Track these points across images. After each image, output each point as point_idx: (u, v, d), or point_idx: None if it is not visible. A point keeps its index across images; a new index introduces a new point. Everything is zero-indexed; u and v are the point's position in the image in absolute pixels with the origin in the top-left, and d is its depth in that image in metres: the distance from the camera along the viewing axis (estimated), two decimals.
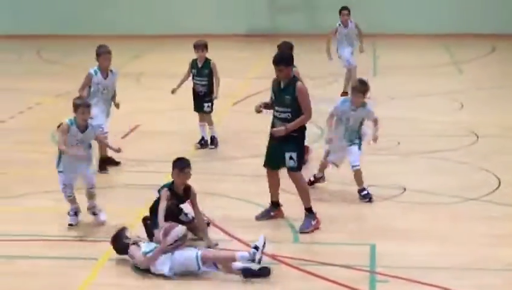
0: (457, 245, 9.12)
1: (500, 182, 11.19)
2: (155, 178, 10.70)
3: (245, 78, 18.98)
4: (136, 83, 18.88)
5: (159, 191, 9.00)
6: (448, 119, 14.95)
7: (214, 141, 13.19)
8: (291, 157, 9.51)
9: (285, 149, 9.52)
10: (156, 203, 8.93)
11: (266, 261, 8.56)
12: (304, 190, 9.73)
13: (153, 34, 25.78)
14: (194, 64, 13.09)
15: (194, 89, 13.11)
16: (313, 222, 9.59)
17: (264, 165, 9.90)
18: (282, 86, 9.61)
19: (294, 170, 9.59)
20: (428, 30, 25.07)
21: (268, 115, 9.84)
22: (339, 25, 17.11)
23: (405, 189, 11.00)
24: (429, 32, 24.95)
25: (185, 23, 25.46)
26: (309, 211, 9.65)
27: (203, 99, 13.06)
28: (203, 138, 13.17)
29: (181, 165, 8.96)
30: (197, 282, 8.12)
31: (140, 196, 10.46)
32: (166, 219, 8.69)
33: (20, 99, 17.14)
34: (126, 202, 10.55)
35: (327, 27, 24.75)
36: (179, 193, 9.01)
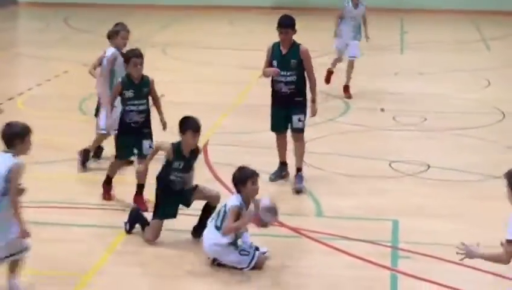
0: (482, 223, 9.07)
1: None
2: None
3: None
4: (162, 53, 18.87)
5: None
6: (475, 96, 14.88)
7: None
8: (300, 120, 10.06)
9: (293, 112, 10.03)
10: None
11: (289, 233, 8.63)
12: (303, 151, 10.22)
13: (181, 5, 25.73)
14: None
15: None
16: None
17: (273, 130, 10.36)
18: (284, 50, 10.02)
19: (302, 132, 10.14)
20: (458, 6, 24.87)
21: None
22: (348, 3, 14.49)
23: (429, 166, 10.97)
24: (458, 8, 24.75)
25: None
26: (300, 170, 10.15)
27: None
28: None
29: (196, 126, 8.57)
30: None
31: None
32: (160, 179, 8.55)
33: (48, 68, 17.23)
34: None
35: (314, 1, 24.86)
36: (184, 154, 8.58)
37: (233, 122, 13.06)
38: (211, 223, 8.12)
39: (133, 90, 9.39)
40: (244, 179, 7.99)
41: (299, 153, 10.22)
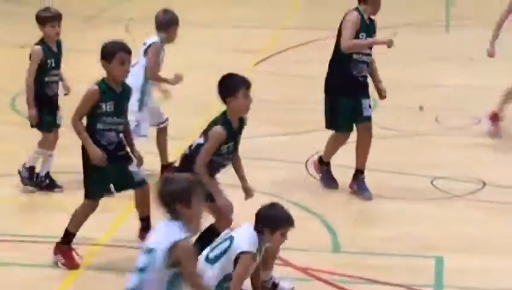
0: None
1: None
2: None
3: (275, 29, 18.94)
4: (124, 30, 18.82)
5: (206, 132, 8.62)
6: None
7: None
8: (370, 105, 10.57)
9: (363, 96, 10.60)
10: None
11: (297, 274, 8.61)
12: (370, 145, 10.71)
13: None
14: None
15: None
16: None
17: (345, 129, 10.75)
18: (368, 21, 10.66)
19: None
20: None
21: None
22: None
23: (485, 184, 11.02)
24: None
25: None
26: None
27: None
28: None
29: (247, 81, 8.61)
30: None
31: None
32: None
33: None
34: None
35: None
36: (234, 129, 8.64)
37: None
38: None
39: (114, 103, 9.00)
40: (276, 225, 7.74)
41: (365, 149, 10.67)
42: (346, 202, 10.28)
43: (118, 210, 9.99)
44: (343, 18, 10.68)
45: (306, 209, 10.13)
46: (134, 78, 10.09)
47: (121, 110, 8.95)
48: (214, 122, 8.58)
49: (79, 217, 8.88)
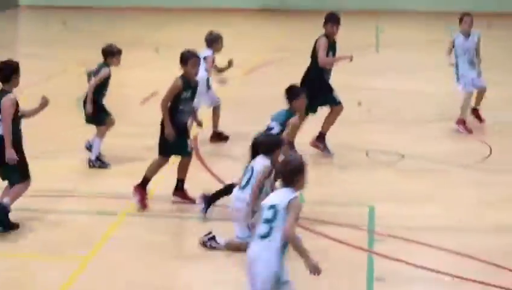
0: (450, 208, 9.21)
1: (491, 151, 11.24)
2: None
3: (256, 51, 18.91)
4: (154, 53, 18.83)
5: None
6: (445, 90, 14.90)
7: None
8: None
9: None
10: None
11: None
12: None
13: (172, 7, 25.71)
14: None
15: None
16: None
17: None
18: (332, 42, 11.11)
19: None
20: (429, 8, 24.97)
21: None
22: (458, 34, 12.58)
23: (403, 156, 11.04)
24: (430, 10, 24.85)
25: None
26: None
27: None
28: None
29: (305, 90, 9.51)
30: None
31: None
32: None
33: (47, 66, 17.19)
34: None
35: (334, 3, 24.93)
36: None
37: (222, 116, 13.07)
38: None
39: (191, 91, 9.21)
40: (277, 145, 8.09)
41: (332, 122, 11.24)
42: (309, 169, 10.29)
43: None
44: (316, 42, 11.00)
45: None
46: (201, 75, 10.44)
47: (193, 97, 9.28)
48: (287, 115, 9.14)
49: (153, 167, 9.15)
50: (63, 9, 25.92)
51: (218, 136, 11.90)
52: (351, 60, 11.18)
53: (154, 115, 12.52)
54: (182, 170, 9.29)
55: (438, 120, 12.80)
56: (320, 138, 11.08)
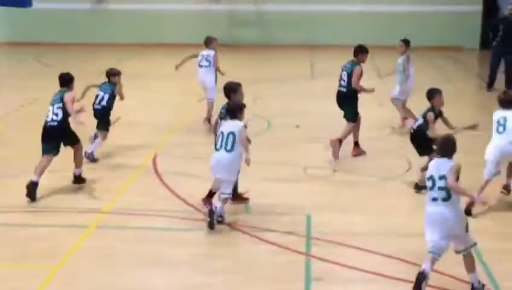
0: (378, 215, 9.24)
1: (411, 165, 11.33)
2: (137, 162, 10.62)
3: None
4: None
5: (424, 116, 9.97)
6: (372, 114, 15.01)
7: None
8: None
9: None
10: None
11: (224, 228, 8.65)
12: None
13: (134, 43, 25.52)
14: None
15: None
16: None
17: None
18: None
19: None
20: (356, 42, 25.16)
21: None
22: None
23: (335, 170, 11.08)
24: (355, 44, 25.02)
25: (162, 34, 25.33)
26: None
27: None
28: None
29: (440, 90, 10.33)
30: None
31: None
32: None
33: (22, 96, 16.93)
34: (110, 183, 10.51)
35: (275, 39, 25.02)
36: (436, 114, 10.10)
37: (177, 138, 13.00)
38: (222, 149, 8.61)
39: None
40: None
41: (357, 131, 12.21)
42: (254, 183, 10.25)
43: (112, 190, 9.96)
44: (352, 70, 12.00)
45: None
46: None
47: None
48: (428, 110, 10.00)
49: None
50: (38, 46, 25.54)
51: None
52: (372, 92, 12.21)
53: (117, 139, 12.51)
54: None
55: (366, 139, 12.86)
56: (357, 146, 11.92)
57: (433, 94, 10.11)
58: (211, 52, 13.57)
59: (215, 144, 8.79)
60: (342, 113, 12.19)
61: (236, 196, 9.41)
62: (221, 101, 9.76)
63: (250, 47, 23.97)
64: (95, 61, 21.87)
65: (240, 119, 8.80)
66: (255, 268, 7.74)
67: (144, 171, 10.93)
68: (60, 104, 9.77)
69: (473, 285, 7.12)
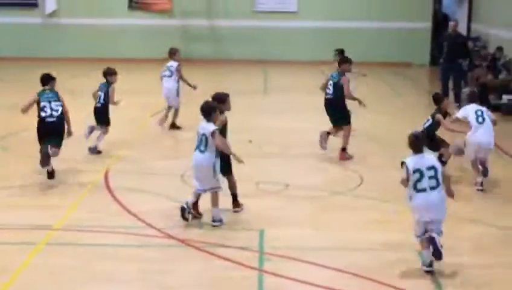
0: (329, 230, 9.27)
1: (362, 180, 11.42)
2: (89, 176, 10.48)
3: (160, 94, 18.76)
4: (70, 96, 18.35)
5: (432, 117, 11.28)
6: (325, 129, 15.13)
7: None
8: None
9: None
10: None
11: (177, 244, 8.58)
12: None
13: (87, 57, 25.30)
14: None
15: None
16: None
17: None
18: None
19: None
20: (310, 58, 25.41)
21: None
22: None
23: (288, 185, 11.08)
24: (311, 60, 25.29)
25: (116, 49, 25.16)
26: None
27: None
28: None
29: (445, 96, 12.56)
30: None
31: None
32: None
33: None
34: (61, 199, 10.35)
35: (228, 53, 25.08)
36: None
37: (130, 154, 12.89)
38: (197, 150, 9.02)
39: None
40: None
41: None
42: (207, 198, 10.20)
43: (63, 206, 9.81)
44: (338, 79, 12.56)
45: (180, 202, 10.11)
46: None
47: None
48: (436, 112, 11.26)
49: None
50: None
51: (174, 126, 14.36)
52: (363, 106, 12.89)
53: (70, 154, 12.34)
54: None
55: (317, 154, 12.94)
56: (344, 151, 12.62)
57: (441, 99, 11.40)
58: (174, 64, 14.57)
59: (195, 146, 9.22)
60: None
61: (195, 207, 9.38)
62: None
63: (204, 62, 23.98)
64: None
65: (213, 120, 9.08)
66: (208, 284, 7.70)
67: (95, 187, 10.80)
68: (59, 102, 10.88)
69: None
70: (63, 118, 10.88)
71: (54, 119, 10.72)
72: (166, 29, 25.16)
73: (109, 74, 12.71)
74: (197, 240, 8.71)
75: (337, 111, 12.72)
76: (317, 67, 24.23)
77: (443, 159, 11.14)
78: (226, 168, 9.52)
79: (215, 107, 9.14)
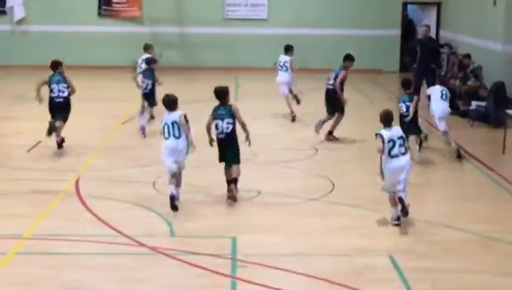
0: (301, 236, 9.29)
1: (334, 186, 11.47)
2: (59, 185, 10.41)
3: (133, 101, 18.68)
4: (39, 105, 18.20)
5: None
6: (297, 136, 15.20)
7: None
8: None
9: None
10: None
11: (148, 252, 8.55)
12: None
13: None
14: None
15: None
16: None
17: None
18: None
19: None
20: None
21: None
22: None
23: (260, 192, 11.08)
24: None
25: (85, 56, 25.00)
26: None
27: None
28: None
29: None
30: None
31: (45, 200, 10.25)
32: None
33: None
34: (32, 207, 10.26)
35: (199, 60, 25.06)
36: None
37: (100, 162, 12.81)
38: (171, 137, 9.92)
39: None
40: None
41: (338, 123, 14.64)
42: (180, 202, 10.18)
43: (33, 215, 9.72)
44: (338, 73, 14.30)
45: (152, 210, 10.09)
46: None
47: None
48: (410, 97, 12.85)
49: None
50: None
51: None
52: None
53: (41, 162, 12.26)
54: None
55: (289, 160, 12.99)
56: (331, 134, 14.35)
57: (410, 83, 13.13)
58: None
59: (167, 135, 10.01)
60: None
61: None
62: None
63: (175, 69, 23.90)
64: (17, 83, 21.45)
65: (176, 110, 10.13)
66: None
67: (66, 195, 10.72)
68: (65, 85, 12.98)
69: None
70: (69, 98, 13.05)
71: (61, 99, 12.96)
72: (136, 37, 24.99)
73: (150, 62, 14.89)
74: (168, 248, 8.68)
75: (334, 100, 14.30)
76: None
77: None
78: (238, 157, 10.59)
79: (176, 99, 10.19)
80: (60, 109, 12.95)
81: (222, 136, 10.44)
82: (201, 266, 8.16)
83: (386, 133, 9.41)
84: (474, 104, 17.08)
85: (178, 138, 9.94)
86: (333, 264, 8.33)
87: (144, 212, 9.99)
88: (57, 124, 12.85)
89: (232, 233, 9.25)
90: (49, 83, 13.07)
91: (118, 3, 25.79)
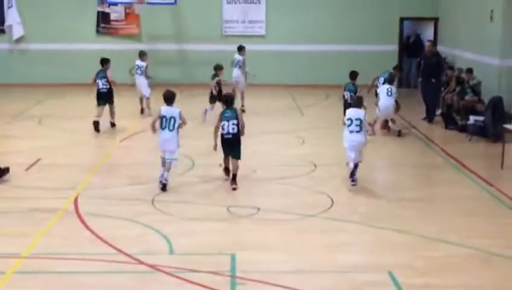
0: (301, 253, 9.26)
1: (333, 202, 11.46)
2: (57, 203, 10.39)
3: (131, 118, 18.71)
4: (38, 124, 18.30)
5: None
6: (294, 152, 15.21)
7: None
8: None
9: None
10: None
11: (148, 269, 8.51)
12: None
13: (53, 83, 25.17)
14: None
15: None
16: None
17: None
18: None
19: None
20: (277, 81, 25.54)
21: None
22: None
23: (259, 209, 11.07)
24: (277, 83, 25.42)
25: (83, 74, 25.02)
26: None
27: None
28: None
29: None
30: None
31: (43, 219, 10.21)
32: None
33: None
34: (30, 226, 10.23)
35: (197, 77, 25.11)
36: None
37: (99, 179, 12.80)
38: (166, 129, 11.64)
39: None
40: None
41: None
42: (176, 223, 10.15)
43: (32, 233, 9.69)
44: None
45: (151, 227, 10.06)
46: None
47: None
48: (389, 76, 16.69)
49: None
50: None
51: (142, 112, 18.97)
52: None
53: (37, 181, 12.25)
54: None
55: (288, 177, 12.98)
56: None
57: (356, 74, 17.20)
58: (143, 64, 19.04)
59: (163, 126, 11.67)
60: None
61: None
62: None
63: (172, 86, 23.86)
64: (16, 101, 21.47)
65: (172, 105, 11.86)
66: None
67: (65, 213, 10.70)
68: (106, 79, 16.83)
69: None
70: (110, 89, 17.00)
71: (105, 90, 16.89)
72: (135, 54, 25.08)
73: (218, 68, 18.41)
74: (167, 265, 8.65)
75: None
76: (285, 90, 24.43)
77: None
78: (240, 153, 11.96)
79: (175, 94, 11.91)
80: (103, 98, 16.93)
81: (229, 136, 11.91)
82: (200, 284, 8.13)
83: (349, 113, 12.21)
84: (472, 118, 17.09)
85: (171, 130, 11.64)
86: (333, 281, 8.30)
87: (143, 229, 9.97)
88: (100, 109, 16.89)
89: (231, 250, 9.23)
90: (95, 77, 17.03)
91: (116, 21, 25.88)
